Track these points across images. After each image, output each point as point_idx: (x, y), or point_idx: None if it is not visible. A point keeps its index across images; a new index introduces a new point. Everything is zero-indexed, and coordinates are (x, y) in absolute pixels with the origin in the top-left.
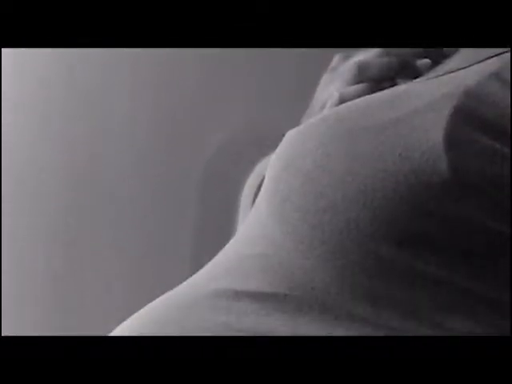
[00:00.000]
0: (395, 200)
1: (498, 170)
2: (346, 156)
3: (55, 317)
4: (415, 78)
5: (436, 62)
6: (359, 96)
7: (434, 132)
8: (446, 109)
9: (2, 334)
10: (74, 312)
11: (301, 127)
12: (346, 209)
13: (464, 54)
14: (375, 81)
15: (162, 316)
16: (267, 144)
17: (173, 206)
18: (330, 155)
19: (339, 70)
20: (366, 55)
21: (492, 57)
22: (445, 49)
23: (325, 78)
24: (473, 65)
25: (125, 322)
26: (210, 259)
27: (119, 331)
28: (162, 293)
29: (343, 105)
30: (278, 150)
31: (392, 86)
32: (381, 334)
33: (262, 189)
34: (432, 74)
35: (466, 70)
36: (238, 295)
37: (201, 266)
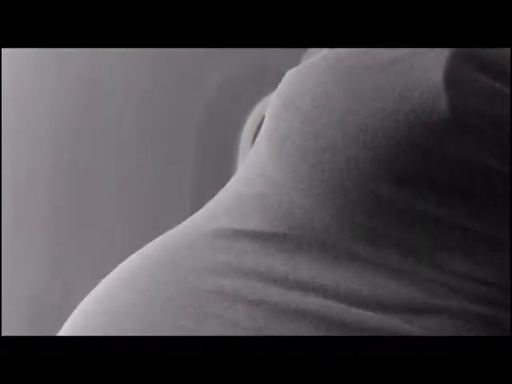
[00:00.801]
0: (395, 139)
1: (498, 110)
2: (345, 95)
3: (55, 253)
4: None
5: None
6: None
7: (434, 71)
8: (446, 49)
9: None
10: (74, 248)
11: (301, 66)
12: (346, 148)
13: None
14: None
15: (162, 256)
16: (268, 83)
17: (173, 146)
18: (329, 94)
19: None
20: None
21: None
22: None
23: None
24: None
25: (123, 263)
26: (209, 199)
27: (117, 271)
28: (162, 232)
29: None
30: (278, 89)
31: None
32: (380, 273)
33: (262, 128)
34: None
35: None
36: (238, 234)
37: (201, 206)
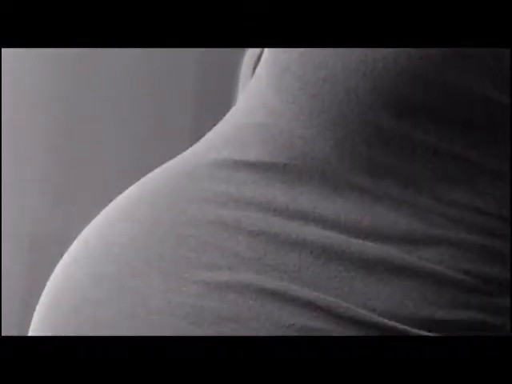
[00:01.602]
0: (395, 70)
1: None
2: None
3: (56, 184)
4: None
5: None
6: None
7: None
8: None
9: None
10: (74, 179)
11: None
12: (346, 78)
13: None
14: None
15: (161, 186)
16: None
17: (173, 77)
18: None
19: None
20: None
21: None
22: None
23: None
24: None
25: (122, 194)
26: (209, 130)
27: (117, 202)
28: (162, 163)
29: None
30: None
31: None
32: (380, 204)
33: (262, 59)
34: None
35: None
36: (237, 165)
37: (201, 137)
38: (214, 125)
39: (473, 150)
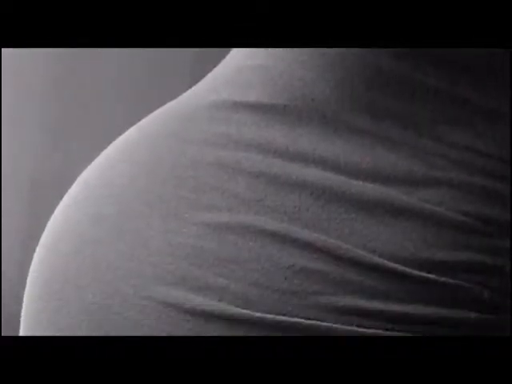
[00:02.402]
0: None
1: None
2: None
3: (56, 125)
4: None
5: None
6: None
7: None
8: None
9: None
10: (75, 120)
11: None
12: None
13: None
14: None
15: (161, 128)
16: None
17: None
18: None
19: None
20: None
21: None
22: None
23: None
24: None
25: (123, 135)
26: (209, 72)
27: (118, 143)
28: (162, 105)
29: None
30: None
31: None
32: (380, 145)
33: None
34: None
35: None
36: (237, 106)
37: (200, 79)
38: (214, 66)
39: (473, 91)
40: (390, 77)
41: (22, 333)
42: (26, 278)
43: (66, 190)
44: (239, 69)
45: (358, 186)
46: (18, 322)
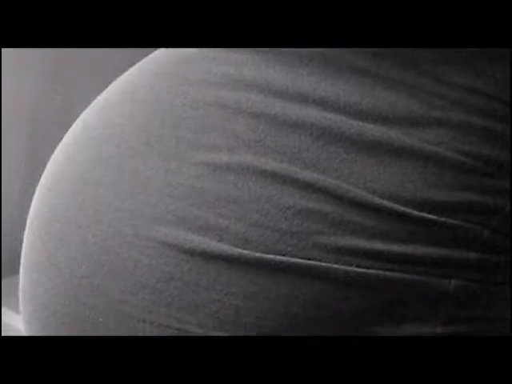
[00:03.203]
0: None
1: None
2: None
3: (55, 66)
4: None
5: None
6: None
7: None
8: None
9: None
10: (74, 61)
11: None
12: None
13: None
14: None
15: (161, 68)
16: None
17: None
18: None
19: None
20: None
21: None
22: None
23: None
24: None
25: (122, 76)
26: None
27: (117, 84)
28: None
29: None
30: None
31: None
32: (380, 85)
33: None
34: None
35: None
36: None
37: None
38: None
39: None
40: None
41: (21, 274)
42: (26, 219)
43: (66, 130)
44: None
45: (357, 127)
46: (19, 262)
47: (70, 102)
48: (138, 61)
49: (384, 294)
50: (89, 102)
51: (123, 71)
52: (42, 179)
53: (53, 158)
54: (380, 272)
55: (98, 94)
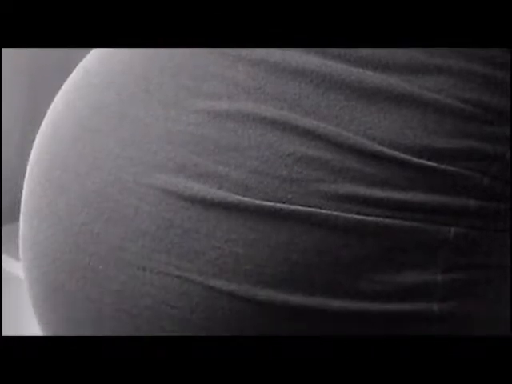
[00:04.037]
0: None
1: None
2: None
3: None
4: None
5: None
6: None
7: None
8: None
9: None
10: None
11: None
12: None
13: None
14: None
15: None
16: None
17: None
18: None
19: None
20: None
21: None
22: None
23: None
24: None
25: None
26: None
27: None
28: None
29: None
30: None
31: None
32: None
33: None
34: None
35: None
36: None
37: None
38: None
39: None
40: None
41: (21, 221)
42: (26, 165)
43: (66, 78)
44: None
45: (358, 74)
46: (19, 209)
47: (71, 50)
48: None
49: (384, 241)
50: (89, 49)
51: None
52: (42, 126)
53: (53, 104)
54: (380, 219)
55: None
